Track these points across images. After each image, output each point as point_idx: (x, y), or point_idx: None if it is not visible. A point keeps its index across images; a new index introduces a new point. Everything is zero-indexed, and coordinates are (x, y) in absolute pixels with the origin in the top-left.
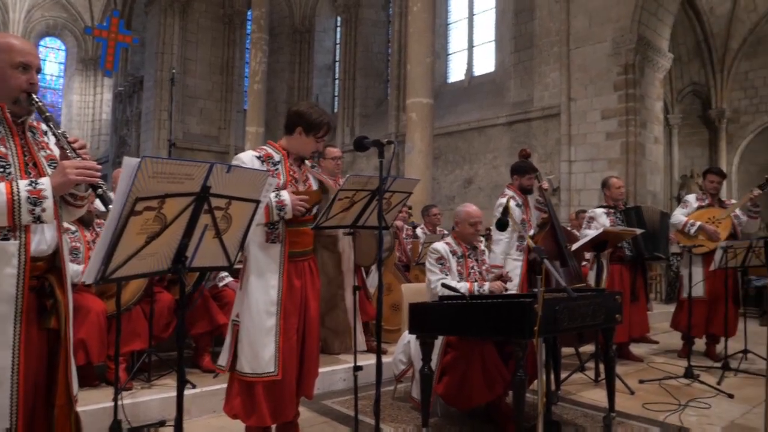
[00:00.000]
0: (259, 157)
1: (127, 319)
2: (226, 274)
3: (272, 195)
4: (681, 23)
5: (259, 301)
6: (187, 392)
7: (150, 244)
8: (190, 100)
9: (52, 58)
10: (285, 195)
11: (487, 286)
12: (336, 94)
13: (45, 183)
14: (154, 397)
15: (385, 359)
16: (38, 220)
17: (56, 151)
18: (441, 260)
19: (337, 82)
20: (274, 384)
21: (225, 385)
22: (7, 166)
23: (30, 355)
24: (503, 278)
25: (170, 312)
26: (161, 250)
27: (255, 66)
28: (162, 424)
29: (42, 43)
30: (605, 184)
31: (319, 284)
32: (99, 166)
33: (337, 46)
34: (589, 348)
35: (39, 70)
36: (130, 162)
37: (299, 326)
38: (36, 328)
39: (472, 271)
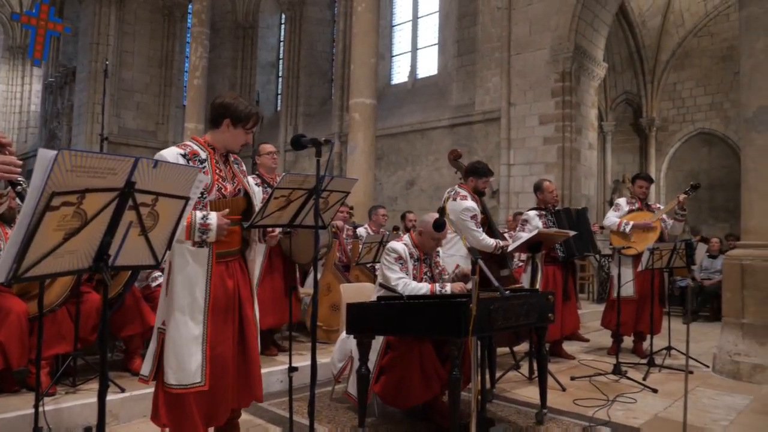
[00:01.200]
0: (184, 155)
1: (51, 320)
2: (160, 273)
3: (198, 214)
4: (615, 34)
5: (185, 308)
6: (117, 396)
7: (68, 241)
8: (126, 93)
9: None
10: (212, 218)
11: (449, 287)
12: (279, 92)
13: None
14: (78, 403)
15: (323, 360)
16: None
17: None
18: (400, 260)
19: (280, 80)
20: (203, 393)
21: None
22: None
23: None
24: (466, 277)
25: (98, 313)
26: (81, 247)
27: (195, 61)
28: (89, 430)
29: None
30: (539, 188)
31: (252, 283)
32: (19, 162)
33: (281, 44)
34: (523, 347)
35: None
36: (45, 154)
37: (235, 329)
38: None
39: (426, 276)
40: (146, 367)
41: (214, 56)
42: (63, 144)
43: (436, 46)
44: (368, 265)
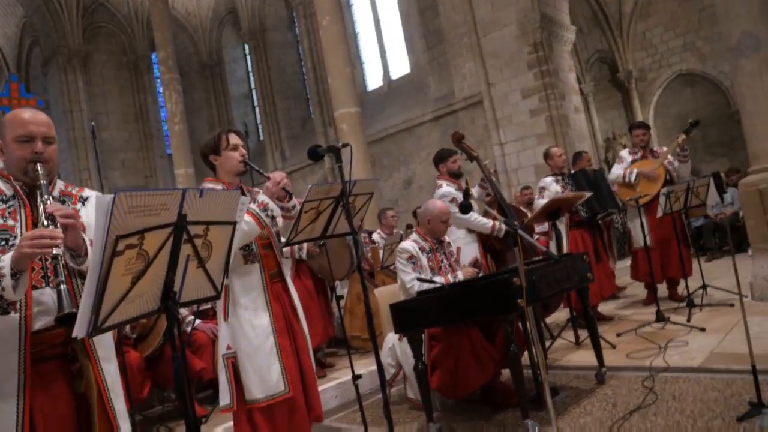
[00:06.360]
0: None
1: None
2: (192, 317)
3: (253, 206)
4: None
5: (254, 323)
6: None
7: (137, 284)
8: (108, 154)
9: None
10: (260, 197)
11: (460, 274)
12: (259, 121)
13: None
14: None
15: (371, 367)
16: None
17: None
18: (412, 259)
19: (257, 109)
20: (286, 406)
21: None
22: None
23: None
24: (477, 264)
25: (141, 371)
26: (148, 289)
27: (172, 107)
28: None
29: None
30: (547, 155)
31: (297, 304)
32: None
33: (251, 74)
34: (559, 315)
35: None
36: (103, 199)
37: (292, 348)
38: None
39: (443, 264)
40: (225, 397)
41: (187, 100)
42: None
43: (404, 44)
44: (392, 268)
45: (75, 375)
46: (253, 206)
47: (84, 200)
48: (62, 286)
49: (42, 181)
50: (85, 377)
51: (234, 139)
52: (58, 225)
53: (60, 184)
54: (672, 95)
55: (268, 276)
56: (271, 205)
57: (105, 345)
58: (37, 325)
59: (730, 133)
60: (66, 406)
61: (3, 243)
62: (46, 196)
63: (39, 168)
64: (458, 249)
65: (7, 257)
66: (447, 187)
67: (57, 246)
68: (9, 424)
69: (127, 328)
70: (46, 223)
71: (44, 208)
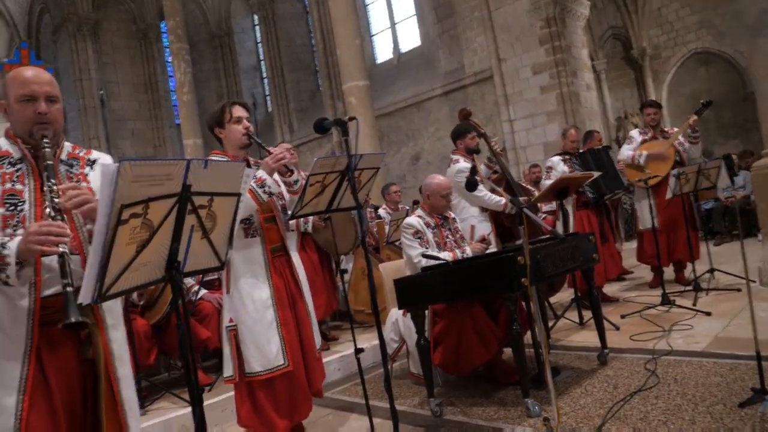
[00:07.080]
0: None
1: None
2: (199, 287)
3: (251, 181)
4: None
5: (254, 296)
6: (187, 410)
7: (141, 253)
8: (118, 123)
9: None
10: (258, 172)
11: (468, 249)
12: (267, 93)
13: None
14: (149, 423)
15: (374, 342)
16: None
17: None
18: (417, 234)
19: (266, 81)
20: (285, 379)
21: (222, 396)
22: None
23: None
24: (485, 241)
25: (148, 338)
26: (152, 258)
27: (180, 77)
28: None
29: None
30: (564, 135)
31: (301, 277)
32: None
33: (259, 45)
34: (563, 296)
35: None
36: (108, 168)
37: (294, 321)
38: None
39: (448, 240)
40: (228, 368)
41: (196, 70)
42: None
43: (415, 16)
44: (397, 243)
45: (84, 341)
46: (251, 181)
47: (92, 163)
48: (68, 289)
49: (48, 162)
50: (93, 343)
51: (237, 111)
52: (65, 217)
53: (68, 147)
54: (686, 74)
55: (270, 250)
56: (269, 181)
57: (114, 313)
58: (47, 291)
59: (744, 115)
60: (74, 370)
61: (11, 208)
62: (53, 181)
63: (45, 144)
64: (472, 227)
65: (14, 245)
66: (464, 163)
67: (64, 243)
68: (14, 374)
69: (134, 295)
70: (53, 214)
71: (52, 200)
